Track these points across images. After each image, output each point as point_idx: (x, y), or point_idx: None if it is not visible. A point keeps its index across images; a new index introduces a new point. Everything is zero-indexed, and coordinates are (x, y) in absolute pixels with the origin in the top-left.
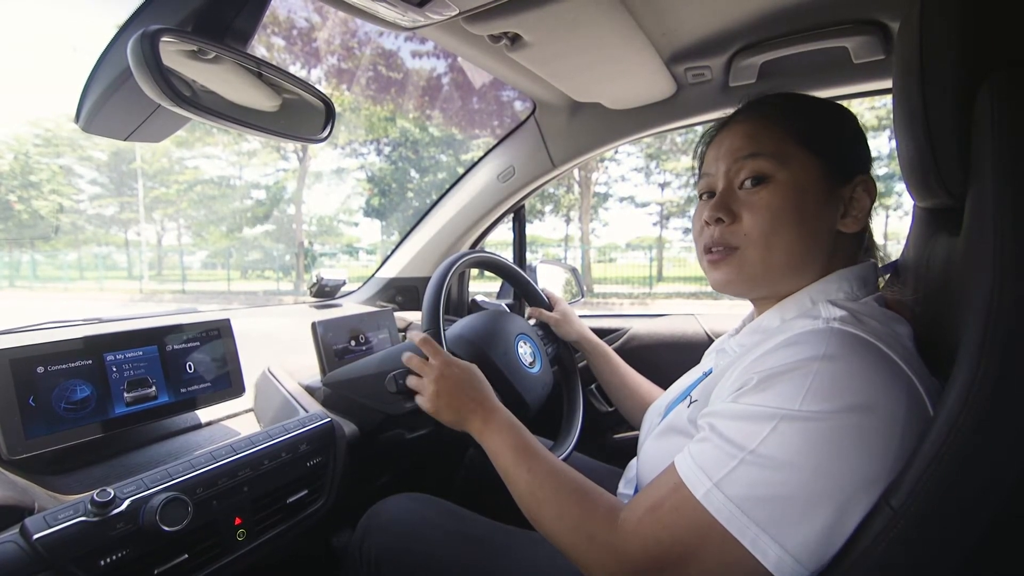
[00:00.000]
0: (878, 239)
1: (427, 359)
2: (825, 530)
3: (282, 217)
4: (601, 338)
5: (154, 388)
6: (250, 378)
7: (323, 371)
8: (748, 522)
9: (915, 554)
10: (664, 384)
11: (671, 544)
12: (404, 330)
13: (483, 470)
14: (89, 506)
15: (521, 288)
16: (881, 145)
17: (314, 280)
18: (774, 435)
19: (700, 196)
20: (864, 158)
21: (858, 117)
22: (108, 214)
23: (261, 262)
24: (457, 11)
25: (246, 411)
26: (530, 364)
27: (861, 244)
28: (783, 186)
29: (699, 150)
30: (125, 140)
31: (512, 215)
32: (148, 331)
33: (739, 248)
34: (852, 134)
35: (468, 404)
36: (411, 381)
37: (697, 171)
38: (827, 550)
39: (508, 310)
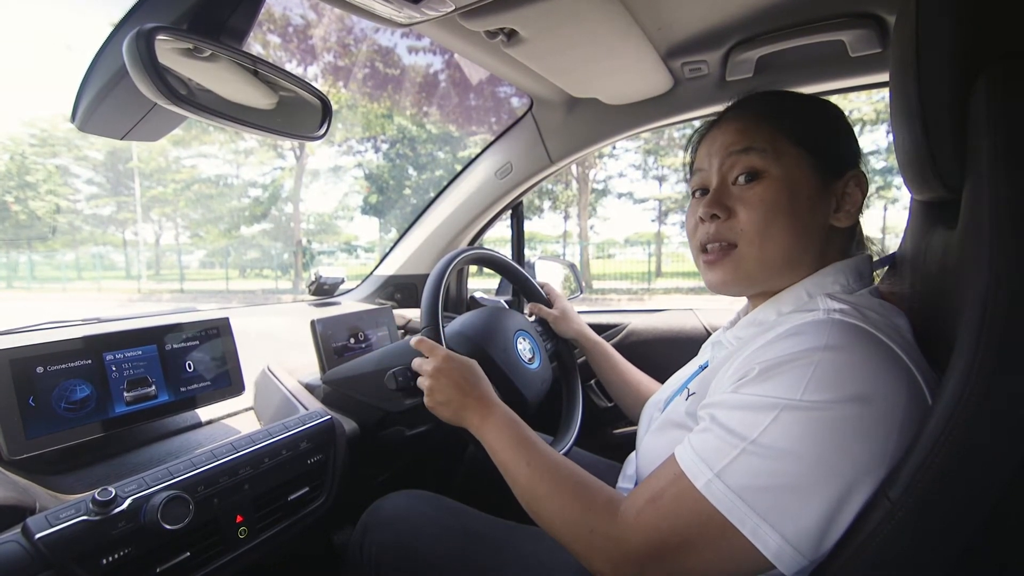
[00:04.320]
0: (876, 233)
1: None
2: (825, 519)
3: (280, 215)
4: (600, 333)
5: (154, 387)
6: (250, 376)
7: (323, 369)
8: (749, 511)
9: (912, 545)
10: (663, 379)
11: (671, 534)
12: (403, 327)
13: (483, 466)
14: (91, 505)
15: (520, 284)
16: (879, 138)
17: (313, 278)
18: (775, 425)
19: (693, 193)
20: (854, 152)
21: (856, 110)
22: (105, 214)
23: (259, 261)
24: (453, 7)
25: (246, 409)
26: (529, 360)
27: (853, 238)
28: (777, 181)
29: (691, 148)
30: (121, 139)
31: (510, 212)
32: (147, 330)
33: (736, 245)
34: (841, 129)
35: (466, 400)
36: (418, 381)
37: (689, 169)
38: (827, 539)
39: (507, 307)
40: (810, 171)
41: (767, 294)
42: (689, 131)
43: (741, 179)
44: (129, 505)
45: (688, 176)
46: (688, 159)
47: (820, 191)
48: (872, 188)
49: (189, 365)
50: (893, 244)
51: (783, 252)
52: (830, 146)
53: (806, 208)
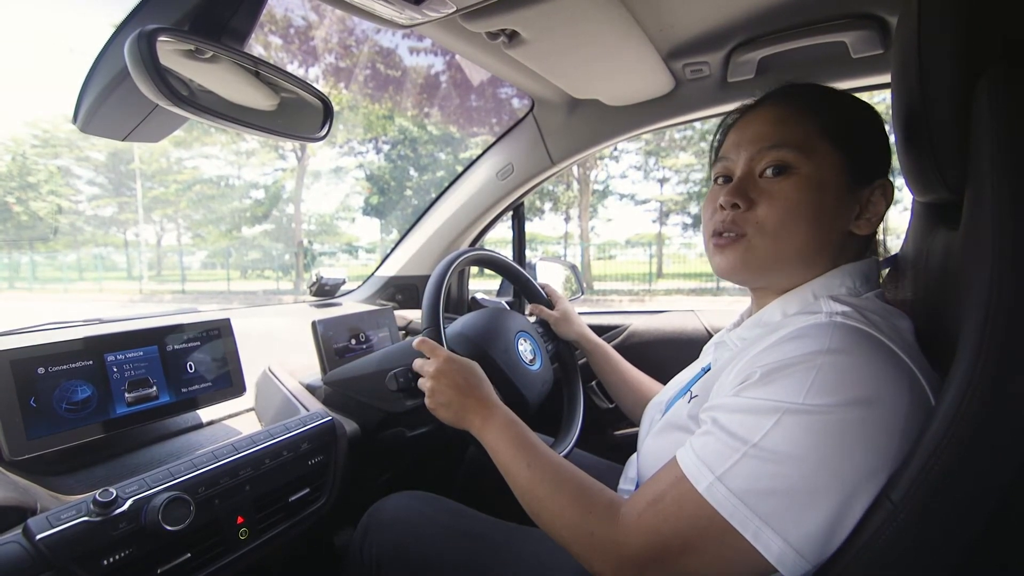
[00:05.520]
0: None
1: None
2: (828, 523)
3: (281, 216)
4: (601, 335)
5: (155, 388)
6: (251, 377)
7: (324, 370)
8: (751, 515)
9: (914, 547)
10: (664, 380)
11: (672, 537)
12: (404, 328)
13: (484, 467)
14: (91, 506)
15: (521, 285)
16: None
17: (314, 279)
18: (777, 428)
19: (715, 180)
20: (886, 161)
21: None
22: (107, 215)
23: (260, 262)
24: (454, 8)
25: (247, 410)
26: (530, 361)
27: (868, 244)
28: (805, 179)
29: (718, 133)
30: (123, 140)
31: (511, 213)
32: (148, 331)
33: (747, 235)
34: (878, 135)
35: (467, 401)
36: (419, 383)
37: (714, 154)
38: (830, 543)
39: (508, 308)
40: (839, 173)
41: (773, 292)
42: (691, 132)
43: (769, 171)
44: (130, 506)
45: (712, 161)
46: (713, 147)
47: (846, 196)
48: None
49: (190, 366)
50: (894, 244)
51: (796, 250)
52: (864, 150)
53: (829, 212)
